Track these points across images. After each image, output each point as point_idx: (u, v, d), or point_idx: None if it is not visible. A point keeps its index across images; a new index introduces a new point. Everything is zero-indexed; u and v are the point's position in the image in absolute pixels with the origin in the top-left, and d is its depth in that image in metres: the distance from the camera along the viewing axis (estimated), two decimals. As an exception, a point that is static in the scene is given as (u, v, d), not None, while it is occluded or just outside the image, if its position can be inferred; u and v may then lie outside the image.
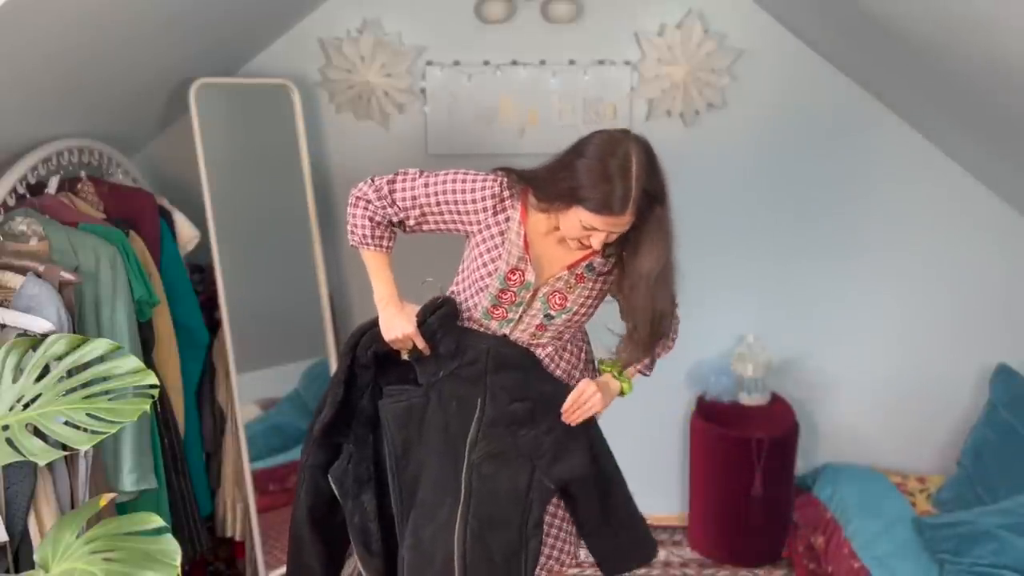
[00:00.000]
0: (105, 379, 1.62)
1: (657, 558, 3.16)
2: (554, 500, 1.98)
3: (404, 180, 1.87)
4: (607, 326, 1.97)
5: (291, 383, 2.99)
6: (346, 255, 3.15)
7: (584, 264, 1.87)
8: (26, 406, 1.57)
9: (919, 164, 3.01)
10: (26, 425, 1.55)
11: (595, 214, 1.69)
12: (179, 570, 1.42)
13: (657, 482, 3.31)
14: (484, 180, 1.84)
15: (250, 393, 2.83)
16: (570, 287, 1.87)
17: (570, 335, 1.98)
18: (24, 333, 1.81)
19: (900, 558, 2.58)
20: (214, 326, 2.74)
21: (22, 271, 1.92)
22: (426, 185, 1.85)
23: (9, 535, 1.79)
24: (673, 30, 2.90)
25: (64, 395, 1.58)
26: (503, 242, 1.85)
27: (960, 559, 2.46)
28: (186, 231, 2.64)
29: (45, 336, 1.74)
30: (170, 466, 2.38)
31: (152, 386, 1.61)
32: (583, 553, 2.09)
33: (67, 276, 1.94)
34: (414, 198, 1.86)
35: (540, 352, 1.95)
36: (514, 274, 1.86)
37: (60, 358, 1.63)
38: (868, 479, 3.03)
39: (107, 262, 2.11)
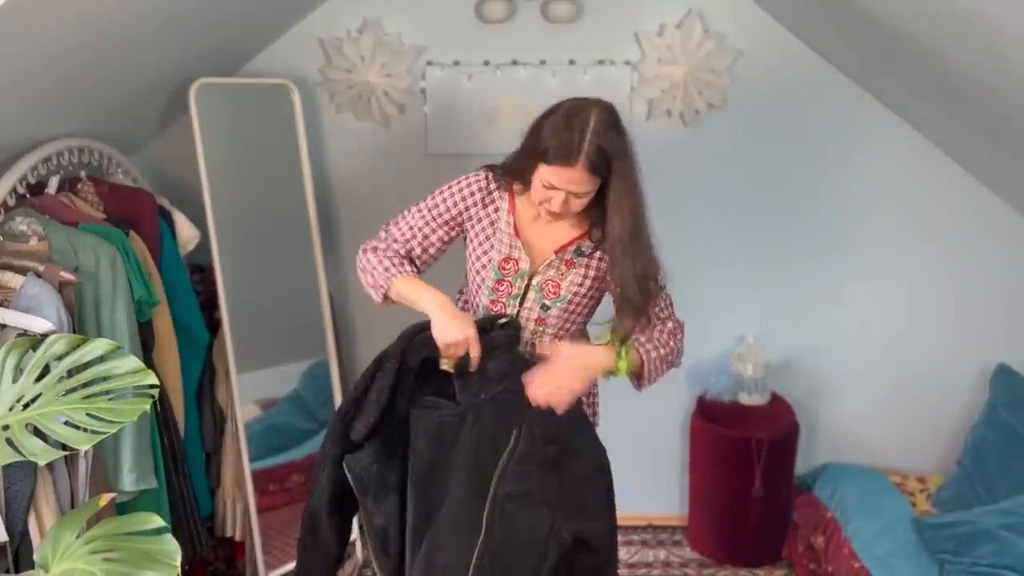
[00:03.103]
0: (105, 379, 1.61)
1: (657, 558, 3.18)
2: None
3: (397, 221, 1.99)
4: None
5: (291, 383, 2.99)
6: (346, 255, 3.14)
7: (572, 248, 1.91)
8: (26, 406, 1.57)
9: (919, 164, 3.01)
10: (26, 425, 1.55)
11: (550, 166, 1.74)
12: (179, 570, 1.42)
13: (657, 482, 3.31)
14: (468, 179, 1.94)
15: (250, 393, 2.83)
16: (561, 274, 1.91)
17: (569, 333, 1.99)
18: (24, 333, 1.81)
19: (900, 558, 2.58)
20: (214, 326, 2.74)
21: (22, 271, 1.92)
22: (419, 211, 1.96)
23: (9, 535, 1.79)
24: (673, 30, 2.90)
25: (64, 395, 1.58)
26: (494, 232, 1.92)
27: (960, 559, 2.46)
28: (186, 231, 2.64)
29: (45, 336, 1.73)
30: (170, 466, 2.38)
31: (152, 386, 1.61)
32: None
33: (67, 276, 1.94)
34: (411, 227, 1.96)
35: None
36: (507, 263, 1.92)
37: (60, 358, 1.63)
38: (868, 479, 3.03)
39: (107, 262, 2.11)
